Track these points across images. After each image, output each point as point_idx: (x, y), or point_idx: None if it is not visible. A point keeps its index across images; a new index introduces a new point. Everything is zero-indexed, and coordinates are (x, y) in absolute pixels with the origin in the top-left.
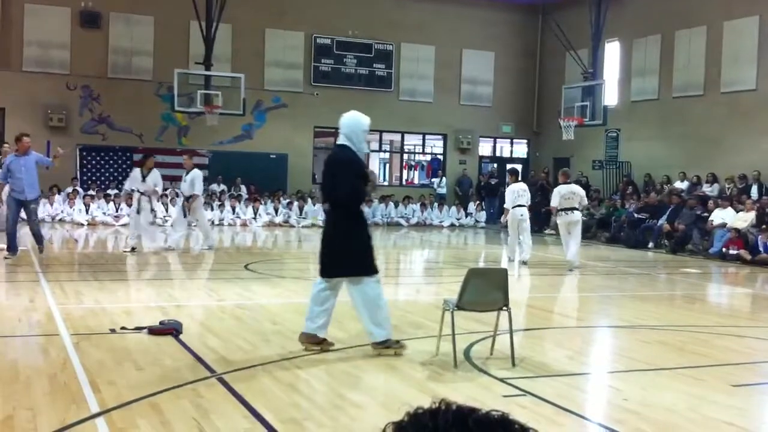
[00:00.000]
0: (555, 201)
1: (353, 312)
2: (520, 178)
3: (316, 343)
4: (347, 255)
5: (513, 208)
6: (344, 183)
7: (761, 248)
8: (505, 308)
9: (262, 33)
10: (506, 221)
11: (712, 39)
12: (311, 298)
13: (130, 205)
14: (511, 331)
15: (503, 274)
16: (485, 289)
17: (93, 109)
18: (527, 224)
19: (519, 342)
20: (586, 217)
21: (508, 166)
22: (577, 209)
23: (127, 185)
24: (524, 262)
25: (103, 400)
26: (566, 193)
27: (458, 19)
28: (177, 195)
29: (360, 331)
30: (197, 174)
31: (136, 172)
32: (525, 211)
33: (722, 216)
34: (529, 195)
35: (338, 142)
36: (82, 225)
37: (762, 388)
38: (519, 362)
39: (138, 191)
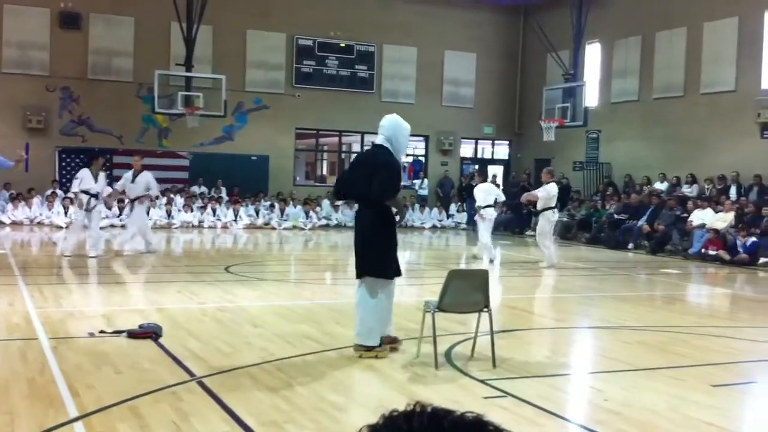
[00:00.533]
0: (543, 199)
1: (333, 314)
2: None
3: (391, 341)
4: (370, 255)
5: (484, 208)
6: (380, 181)
7: (739, 248)
8: (485, 310)
9: (244, 34)
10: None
11: (692, 40)
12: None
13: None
14: (491, 333)
15: (484, 275)
16: (466, 291)
17: (73, 110)
18: (490, 225)
19: (500, 343)
20: (567, 218)
21: (473, 167)
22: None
23: (77, 186)
24: (476, 257)
25: (82, 405)
26: (556, 191)
27: (440, 21)
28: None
29: (339, 333)
30: (150, 176)
31: (86, 172)
32: (493, 212)
33: (701, 217)
34: (494, 195)
35: (377, 142)
36: (61, 228)
37: (742, 387)
38: (500, 363)
39: (89, 193)
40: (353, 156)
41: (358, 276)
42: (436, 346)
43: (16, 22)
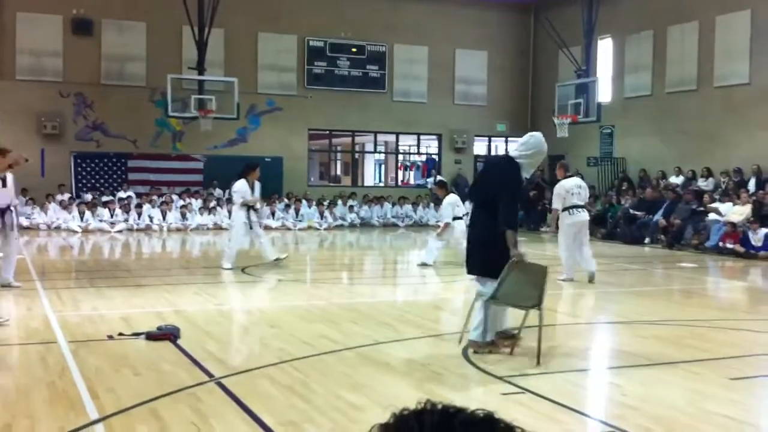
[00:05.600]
0: (558, 201)
1: (349, 314)
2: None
3: (509, 337)
4: (484, 255)
5: (453, 220)
6: (506, 210)
7: (752, 242)
8: (538, 307)
9: (255, 37)
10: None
11: (704, 34)
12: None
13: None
14: (540, 331)
15: (543, 271)
16: (524, 285)
17: (87, 116)
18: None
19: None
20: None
21: (437, 178)
22: (584, 207)
23: (240, 199)
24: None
25: (102, 407)
26: (572, 187)
27: (451, 20)
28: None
29: (356, 332)
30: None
31: (244, 183)
32: (463, 225)
33: (723, 210)
34: (461, 207)
35: (511, 154)
36: (76, 232)
37: (760, 381)
38: (517, 360)
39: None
40: (366, 156)
41: (470, 273)
42: (486, 327)
43: (29, 30)
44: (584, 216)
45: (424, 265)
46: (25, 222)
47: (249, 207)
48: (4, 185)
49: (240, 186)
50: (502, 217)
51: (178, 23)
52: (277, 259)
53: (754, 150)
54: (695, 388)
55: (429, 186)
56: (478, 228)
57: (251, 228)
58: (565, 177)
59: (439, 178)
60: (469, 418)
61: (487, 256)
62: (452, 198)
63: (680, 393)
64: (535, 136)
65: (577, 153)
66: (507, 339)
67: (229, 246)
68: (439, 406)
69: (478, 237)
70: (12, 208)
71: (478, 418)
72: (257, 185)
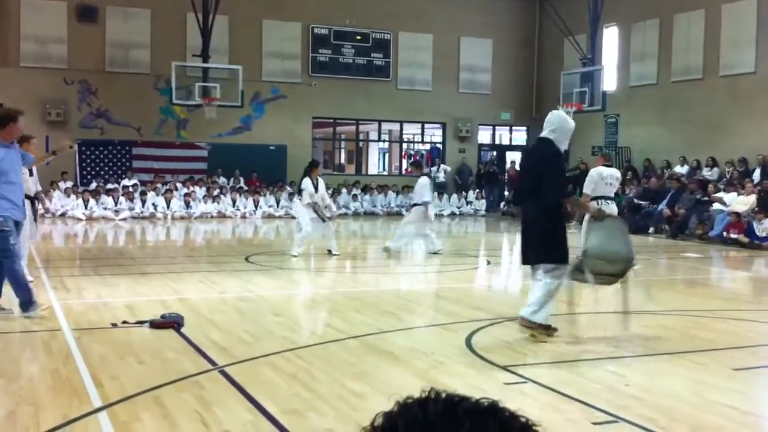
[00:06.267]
0: (590, 185)
1: (353, 302)
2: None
3: (545, 328)
4: (543, 243)
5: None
6: (548, 186)
7: (757, 232)
8: (633, 265)
9: (259, 24)
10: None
11: (710, 22)
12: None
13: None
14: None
15: (619, 222)
16: (609, 238)
17: (91, 103)
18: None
19: (520, 329)
20: None
21: (413, 159)
22: (612, 199)
23: (309, 199)
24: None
25: (106, 395)
26: (608, 176)
27: (455, 7)
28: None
29: (359, 321)
30: None
31: (309, 181)
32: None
33: (727, 200)
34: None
35: (543, 136)
36: (81, 220)
37: (764, 371)
38: (521, 350)
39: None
40: (371, 144)
41: (525, 263)
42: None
43: (33, 17)
44: (614, 208)
45: (387, 250)
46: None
47: (314, 203)
48: (31, 174)
49: (306, 184)
50: (547, 190)
51: (183, 10)
52: (329, 252)
53: (759, 140)
54: (698, 379)
55: (432, 175)
56: (532, 218)
57: (324, 221)
58: (600, 165)
59: (416, 159)
60: (474, 407)
61: (546, 244)
62: (426, 180)
63: (683, 383)
64: (555, 114)
65: (581, 142)
66: (547, 329)
67: (300, 235)
68: (443, 395)
69: (534, 227)
70: (38, 196)
71: (482, 407)
72: (320, 181)
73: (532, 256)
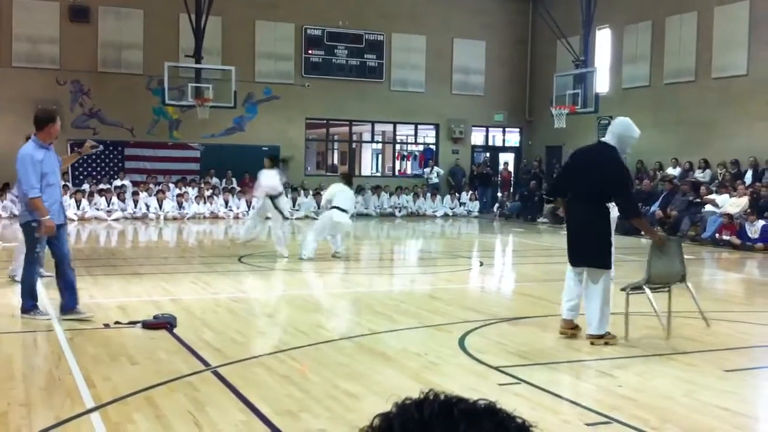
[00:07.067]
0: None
1: (345, 303)
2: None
3: (571, 327)
4: (595, 246)
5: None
6: (618, 184)
7: (749, 233)
8: (683, 281)
9: (252, 25)
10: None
11: (702, 24)
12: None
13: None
14: (696, 302)
15: (679, 242)
16: (668, 262)
17: (84, 103)
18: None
19: (514, 330)
20: None
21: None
22: None
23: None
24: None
25: (98, 395)
26: None
27: (449, 8)
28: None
29: (352, 322)
30: None
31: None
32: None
33: (720, 202)
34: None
35: (604, 140)
36: (73, 221)
37: (755, 372)
38: (514, 350)
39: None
40: (364, 145)
41: (576, 265)
42: (627, 324)
43: (25, 16)
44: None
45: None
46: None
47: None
48: None
49: (266, 178)
50: (625, 208)
51: (176, 11)
52: (282, 255)
53: (751, 141)
54: (691, 380)
55: (426, 176)
56: (585, 219)
57: (285, 219)
58: None
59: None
60: (471, 408)
61: (602, 246)
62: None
63: (676, 384)
64: (620, 119)
65: (574, 143)
66: (572, 328)
67: (245, 228)
68: (441, 396)
69: (589, 228)
70: None
71: (479, 408)
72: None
73: (583, 259)
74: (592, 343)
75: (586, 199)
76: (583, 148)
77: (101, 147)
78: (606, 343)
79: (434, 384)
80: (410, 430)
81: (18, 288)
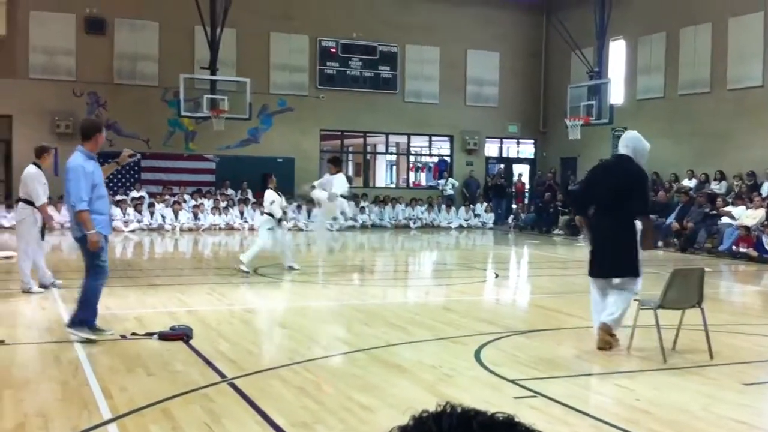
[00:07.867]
0: None
1: (360, 315)
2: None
3: (612, 335)
4: (626, 256)
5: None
6: (642, 194)
7: (766, 246)
8: (698, 305)
9: (267, 37)
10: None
11: (717, 36)
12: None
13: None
14: (705, 327)
15: (701, 273)
16: (686, 289)
17: (99, 115)
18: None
19: (529, 343)
20: None
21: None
22: None
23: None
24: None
25: (115, 406)
26: None
27: (462, 20)
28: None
29: (367, 333)
30: None
31: (272, 194)
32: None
33: (736, 214)
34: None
35: (622, 153)
36: None
37: None
38: (530, 363)
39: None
40: (378, 156)
41: (607, 276)
42: (661, 341)
43: (42, 29)
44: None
45: (291, 268)
46: None
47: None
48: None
49: (271, 196)
50: (642, 204)
51: (191, 23)
52: (291, 268)
53: (767, 153)
54: (708, 393)
55: (440, 187)
56: (613, 231)
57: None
58: None
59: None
60: (489, 421)
61: (631, 256)
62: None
63: (693, 397)
64: (631, 133)
65: (589, 155)
66: (610, 335)
67: (253, 249)
68: (459, 409)
69: (617, 240)
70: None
71: (498, 421)
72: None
73: (612, 269)
74: (601, 329)
75: (612, 211)
76: (604, 163)
77: (139, 156)
78: (607, 343)
79: (449, 396)
80: None
81: (31, 298)
